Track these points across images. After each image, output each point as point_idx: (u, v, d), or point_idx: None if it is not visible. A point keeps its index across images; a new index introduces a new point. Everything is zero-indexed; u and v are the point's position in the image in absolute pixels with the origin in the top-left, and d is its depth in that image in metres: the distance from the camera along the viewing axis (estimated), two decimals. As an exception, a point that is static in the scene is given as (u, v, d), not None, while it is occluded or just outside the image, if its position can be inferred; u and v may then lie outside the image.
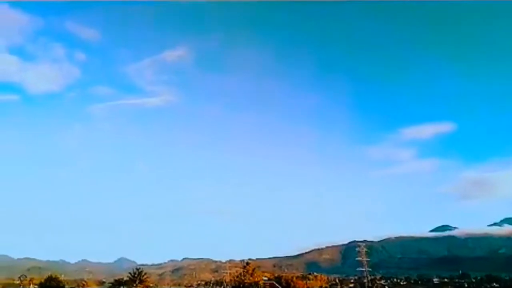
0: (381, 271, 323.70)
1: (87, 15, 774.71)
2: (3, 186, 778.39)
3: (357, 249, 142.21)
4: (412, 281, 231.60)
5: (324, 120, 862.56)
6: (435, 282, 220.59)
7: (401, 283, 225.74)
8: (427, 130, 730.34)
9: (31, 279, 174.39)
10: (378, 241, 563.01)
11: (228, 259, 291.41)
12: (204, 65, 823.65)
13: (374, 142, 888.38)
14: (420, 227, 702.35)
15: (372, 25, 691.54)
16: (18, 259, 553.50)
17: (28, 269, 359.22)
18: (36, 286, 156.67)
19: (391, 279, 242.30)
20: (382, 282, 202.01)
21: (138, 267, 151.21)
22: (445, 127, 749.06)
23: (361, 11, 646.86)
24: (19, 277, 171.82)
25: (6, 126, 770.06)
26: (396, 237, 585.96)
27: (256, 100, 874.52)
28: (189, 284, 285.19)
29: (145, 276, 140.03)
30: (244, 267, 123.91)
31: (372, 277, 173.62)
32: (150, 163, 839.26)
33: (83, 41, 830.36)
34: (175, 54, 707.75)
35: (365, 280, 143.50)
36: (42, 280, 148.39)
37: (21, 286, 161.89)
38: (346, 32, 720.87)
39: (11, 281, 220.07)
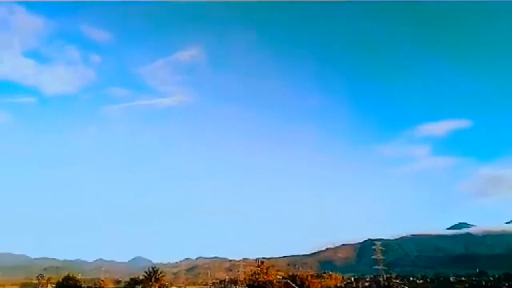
0: (397, 270, 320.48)
1: (101, 17, 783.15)
2: (20, 186, 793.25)
3: (373, 247, 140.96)
4: (428, 280, 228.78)
5: (337, 119, 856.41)
6: (452, 280, 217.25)
7: (418, 281, 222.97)
8: (442, 127, 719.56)
9: (48, 279, 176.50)
10: (394, 239, 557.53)
11: (242, 257, 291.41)
12: (217, 65, 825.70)
13: (389, 139, 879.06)
14: (436, 224, 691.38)
15: (383, 23, 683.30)
16: (36, 258, 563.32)
17: (46, 269, 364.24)
18: (53, 286, 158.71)
19: (407, 278, 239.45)
20: (398, 280, 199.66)
21: (153, 266, 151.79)
22: (460, 123, 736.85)
23: (372, 9, 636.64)
24: (37, 277, 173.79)
25: (23, 127, 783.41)
26: (412, 235, 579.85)
27: (268, 100, 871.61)
28: (204, 283, 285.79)
29: (160, 275, 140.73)
30: (258, 266, 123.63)
31: (388, 275, 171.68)
32: (164, 162, 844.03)
33: (97, 43, 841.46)
34: (188, 54, 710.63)
35: (380, 279, 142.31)
36: (60, 280, 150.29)
37: (39, 286, 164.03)
38: (357, 30, 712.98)
39: (29, 281, 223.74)
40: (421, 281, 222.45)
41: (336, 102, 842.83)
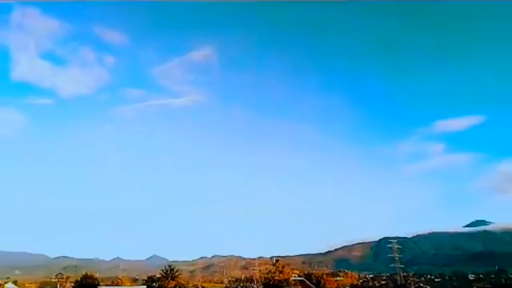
0: (414, 268, 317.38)
1: (114, 19, 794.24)
2: (38, 186, 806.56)
3: (389, 245, 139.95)
4: (446, 278, 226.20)
5: (351, 118, 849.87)
6: (471, 278, 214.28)
7: (435, 280, 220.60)
8: (459, 123, 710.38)
9: (67, 278, 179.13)
10: (411, 237, 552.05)
11: (257, 256, 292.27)
12: (229, 65, 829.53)
13: (404, 137, 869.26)
14: (454, 222, 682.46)
15: (399, 22, 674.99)
16: (55, 258, 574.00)
17: (64, 268, 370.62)
18: (72, 284, 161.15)
19: (425, 276, 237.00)
20: (415, 279, 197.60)
21: (169, 264, 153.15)
22: (477, 119, 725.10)
23: (389, 7, 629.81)
24: (56, 276, 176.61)
25: (41, 128, 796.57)
26: (429, 233, 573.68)
27: (281, 99, 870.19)
28: (220, 281, 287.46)
29: (177, 273, 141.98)
30: (274, 264, 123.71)
31: (405, 274, 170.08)
32: (178, 161, 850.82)
33: (111, 44, 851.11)
34: (201, 54, 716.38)
35: (397, 277, 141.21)
36: (78, 279, 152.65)
37: (58, 285, 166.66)
38: (372, 28, 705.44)
39: (48, 280, 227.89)
40: (439, 280, 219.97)
41: (351, 101, 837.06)
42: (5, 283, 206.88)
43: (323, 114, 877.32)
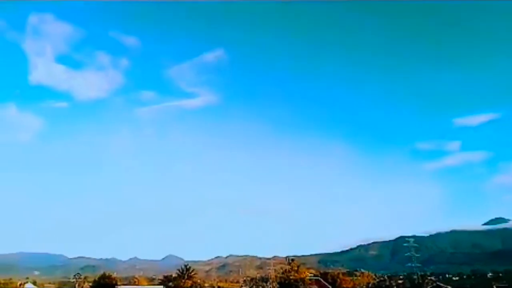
0: (431, 267, 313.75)
1: (128, 22, 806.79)
2: (56, 189, 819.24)
3: (406, 244, 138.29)
4: (465, 277, 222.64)
5: (368, 115, 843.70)
6: (490, 277, 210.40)
7: (453, 278, 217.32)
8: (476, 120, 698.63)
9: (85, 278, 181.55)
10: (428, 236, 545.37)
11: (272, 255, 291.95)
12: (242, 66, 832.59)
13: (422, 134, 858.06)
14: (472, 220, 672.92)
15: (419, 21, 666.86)
16: (73, 258, 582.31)
17: (82, 268, 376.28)
18: (90, 284, 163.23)
19: (443, 275, 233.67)
20: (433, 278, 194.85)
21: (185, 263, 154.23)
22: (493, 116, 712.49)
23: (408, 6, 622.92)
24: (74, 276, 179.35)
25: (58, 131, 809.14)
26: (447, 232, 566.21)
27: (294, 98, 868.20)
28: (235, 281, 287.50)
29: (192, 273, 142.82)
30: (289, 263, 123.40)
31: (422, 273, 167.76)
32: (193, 162, 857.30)
33: (125, 48, 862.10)
34: (214, 55, 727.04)
35: (415, 277, 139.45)
36: (96, 278, 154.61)
37: (76, 285, 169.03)
38: (391, 26, 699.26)
39: (66, 280, 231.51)
40: (457, 279, 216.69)
41: (368, 100, 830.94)
42: (25, 283, 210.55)
43: (336, 112, 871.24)
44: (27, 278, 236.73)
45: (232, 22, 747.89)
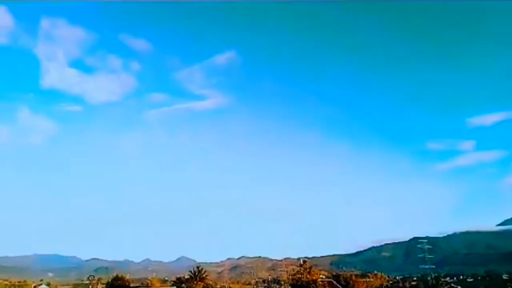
0: (445, 268, 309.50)
1: (138, 26, 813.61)
2: (69, 191, 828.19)
3: (419, 245, 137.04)
4: (479, 278, 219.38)
5: (380, 114, 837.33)
6: (505, 278, 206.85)
7: (468, 280, 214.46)
8: (490, 120, 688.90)
9: (99, 279, 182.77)
10: (442, 237, 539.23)
11: (284, 257, 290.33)
12: (252, 67, 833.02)
13: (435, 134, 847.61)
14: (487, 220, 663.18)
15: (435, 20, 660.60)
16: (86, 260, 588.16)
17: (96, 270, 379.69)
18: (103, 286, 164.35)
19: (457, 276, 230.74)
20: (447, 279, 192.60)
21: (197, 265, 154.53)
22: (509, 115, 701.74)
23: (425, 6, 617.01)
24: (88, 277, 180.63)
25: (71, 134, 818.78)
26: (461, 232, 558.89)
27: (306, 100, 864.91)
28: (247, 282, 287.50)
29: (205, 274, 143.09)
30: (301, 265, 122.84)
31: (436, 274, 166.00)
32: (203, 164, 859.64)
33: (136, 51, 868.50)
34: (224, 57, 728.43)
35: (428, 278, 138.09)
36: (109, 280, 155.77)
37: (90, 286, 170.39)
38: (408, 25, 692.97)
39: (80, 282, 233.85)
40: (472, 280, 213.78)
41: (380, 99, 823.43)
42: (39, 285, 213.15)
43: (348, 113, 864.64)
44: (41, 280, 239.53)
45: (243, 24, 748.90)
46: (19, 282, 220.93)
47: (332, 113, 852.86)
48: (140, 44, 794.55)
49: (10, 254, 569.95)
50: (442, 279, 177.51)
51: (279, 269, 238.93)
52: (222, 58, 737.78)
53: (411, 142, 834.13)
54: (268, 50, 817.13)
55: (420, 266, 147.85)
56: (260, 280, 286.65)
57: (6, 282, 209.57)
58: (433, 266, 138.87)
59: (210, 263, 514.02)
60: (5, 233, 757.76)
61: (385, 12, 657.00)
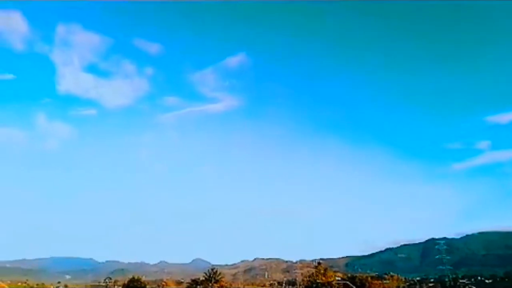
0: (463, 269, 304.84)
1: (151, 31, 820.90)
2: (85, 195, 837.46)
3: (436, 247, 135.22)
4: (498, 279, 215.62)
5: (396, 115, 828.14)
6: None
7: (486, 281, 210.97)
8: (507, 118, 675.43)
9: (115, 281, 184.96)
10: (459, 238, 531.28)
11: (298, 258, 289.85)
12: (264, 69, 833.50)
13: (451, 134, 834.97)
14: (505, 220, 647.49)
15: (450, 19, 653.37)
16: (103, 262, 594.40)
17: (112, 272, 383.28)
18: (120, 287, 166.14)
19: (475, 278, 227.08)
20: (465, 281, 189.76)
21: (212, 267, 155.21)
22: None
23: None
24: (104, 280, 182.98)
25: (86, 138, 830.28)
26: (479, 233, 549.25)
27: (319, 99, 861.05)
28: (261, 284, 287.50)
29: (219, 276, 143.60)
30: (316, 267, 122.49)
31: (454, 276, 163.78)
32: (217, 165, 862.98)
33: (149, 56, 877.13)
34: (236, 59, 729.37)
35: (446, 280, 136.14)
36: (125, 282, 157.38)
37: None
38: (423, 24, 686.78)
39: (96, 284, 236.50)
40: (490, 281, 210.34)
41: (398, 100, 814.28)
42: (57, 287, 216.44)
43: (363, 114, 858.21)
44: (59, 282, 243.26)
45: (254, 26, 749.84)
46: (37, 284, 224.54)
47: (348, 116, 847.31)
48: (153, 48, 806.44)
49: (28, 257, 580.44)
50: (460, 281, 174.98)
51: (294, 271, 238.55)
52: (233, 61, 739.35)
53: (426, 143, 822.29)
54: (279, 52, 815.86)
55: (438, 267, 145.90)
56: (275, 282, 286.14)
57: (24, 285, 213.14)
58: (451, 267, 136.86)
59: (225, 265, 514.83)
60: (23, 236, 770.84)
61: (403, 13, 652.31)
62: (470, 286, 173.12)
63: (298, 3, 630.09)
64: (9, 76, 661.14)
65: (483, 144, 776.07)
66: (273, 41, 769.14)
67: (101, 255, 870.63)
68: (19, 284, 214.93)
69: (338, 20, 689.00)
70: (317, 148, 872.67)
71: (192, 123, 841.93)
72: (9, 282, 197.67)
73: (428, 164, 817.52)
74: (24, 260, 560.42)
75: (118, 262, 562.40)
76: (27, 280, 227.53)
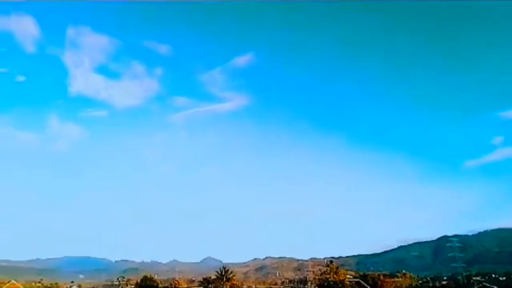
0: (476, 267, 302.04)
1: (160, 32, 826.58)
2: (99, 195, 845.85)
3: (449, 244, 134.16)
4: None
5: (408, 112, 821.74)
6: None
7: (500, 278, 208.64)
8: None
9: (128, 280, 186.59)
10: (472, 235, 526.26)
11: (309, 257, 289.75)
12: (273, 68, 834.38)
13: (463, 130, 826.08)
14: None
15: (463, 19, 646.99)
16: (116, 261, 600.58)
17: (124, 271, 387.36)
18: (132, 287, 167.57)
19: (489, 275, 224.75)
20: (478, 278, 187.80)
21: (223, 266, 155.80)
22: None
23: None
24: (117, 278, 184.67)
25: (98, 139, 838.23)
26: (492, 230, 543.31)
27: (330, 99, 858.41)
28: (273, 283, 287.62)
29: (231, 275, 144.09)
30: (327, 265, 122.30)
31: (467, 273, 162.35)
32: (226, 164, 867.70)
33: (159, 57, 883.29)
34: (244, 58, 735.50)
35: (459, 277, 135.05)
36: (138, 281, 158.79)
37: (120, 287, 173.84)
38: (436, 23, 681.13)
39: (109, 283, 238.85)
40: (504, 278, 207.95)
41: (408, 99, 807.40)
42: (70, 287, 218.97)
43: (374, 111, 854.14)
44: (72, 282, 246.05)
45: (262, 24, 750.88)
46: (51, 284, 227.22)
47: (358, 115, 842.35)
48: (162, 49, 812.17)
49: (42, 257, 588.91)
50: (473, 278, 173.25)
51: (305, 270, 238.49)
52: (242, 60, 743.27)
53: (439, 140, 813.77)
54: (287, 51, 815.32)
55: (451, 265, 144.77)
56: (287, 280, 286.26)
57: (39, 284, 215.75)
58: (464, 265, 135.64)
59: (236, 263, 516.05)
60: (36, 237, 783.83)
61: (415, 13, 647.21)
62: (483, 283, 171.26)
63: (307, 3, 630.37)
64: (21, 78, 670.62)
65: (496, 140, 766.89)
66: (280, 40, 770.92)
67: (114, 255, 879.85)
68: (33, 284, 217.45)
69: (347, 19, 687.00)
70: (327, 149, 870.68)
71: (201, 123, 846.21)
72: (23, 281, 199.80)
73: (440, 162, 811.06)
74: (38, 260, 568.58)
75: (130, 261, 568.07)
76: (41, 279, 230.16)
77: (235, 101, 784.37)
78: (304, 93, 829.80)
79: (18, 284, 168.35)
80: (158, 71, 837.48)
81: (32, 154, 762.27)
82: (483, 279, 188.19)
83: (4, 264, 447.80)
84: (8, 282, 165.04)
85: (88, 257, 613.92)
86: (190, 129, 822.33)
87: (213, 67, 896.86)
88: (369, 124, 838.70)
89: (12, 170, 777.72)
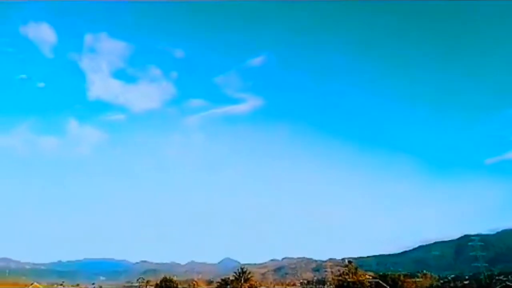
0: (499, 266, 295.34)
1: (175, 37, 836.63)
2: (117, 197, 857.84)
3: (471, 243, 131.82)
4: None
5: (424, 110, 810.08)
6: None
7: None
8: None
9: (147, 281, 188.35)
10: (495, 234, 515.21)
11: (328, 257, 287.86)
12: (288, 68, 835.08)
13: (482, 128, 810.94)
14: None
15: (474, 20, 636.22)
16: (135, 263, 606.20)
17: (144, 272, 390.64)
18: (152, 287, 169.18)
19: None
20: (501, 277, 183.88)
21: (241, 266, 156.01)
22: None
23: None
24: (137, 280, 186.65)
25: (116, 142, 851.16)
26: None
27: (343, 100, 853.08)
28: (292, 283, 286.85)
29: (249, 275, 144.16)
30: (346, 266, 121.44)
31: (489, 273, 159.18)
32: (243, 165, 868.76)
33: (174, 60, 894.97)
34: (259, 59, 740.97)
35: (481, 277, 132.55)
36: (158, 282, 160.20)
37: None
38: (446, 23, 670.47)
39: (129, 284, 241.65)
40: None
41: (421, 98, 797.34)
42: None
43: (387, 111, 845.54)
44: (93, 283, 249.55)
45: (275, 26, 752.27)
46: (72, 286, 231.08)
47: (373, 114, 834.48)
48: (177, 52, 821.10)
49: (63, 259, 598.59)
50: (496, 278, 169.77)
51: (323, 270, 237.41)
52: (256, 61, 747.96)
53: (458, 139, 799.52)
54: (300, 51, 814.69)
55: (472, 264, 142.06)
56: (305, 281, 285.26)
57: (60, 287, 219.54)
58: (486, 264, 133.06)
59: (254, 264, 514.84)
60: (58, 239, 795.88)
61: (428, 13, 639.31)
62: (506, 283, 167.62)
63: (322, 4, 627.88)
64: (41, 85, 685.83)
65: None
66: (294, 41, 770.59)
67: (133, 256, 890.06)
68: (55, 286, 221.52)
69: (361, 20, 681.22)
70: (342, 149, 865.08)
71: (217, 124, 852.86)
72: (45, 284, 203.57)
73: (460, 160, 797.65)
74: (59, 262, 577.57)
75: (149, 262, 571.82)
76: (63, 282, 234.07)
77: (250, 102, 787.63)
78: (318, 93, 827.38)
79: (40, 286, 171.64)
80: (174, 74, 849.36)
81: (54, 158, 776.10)
82: (505, 279, 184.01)
83: (27, 267, 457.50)
84: (31, 284, 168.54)
85: (108, 259, 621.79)
86: (207, 131, 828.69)
87: (227, 69, 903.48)
88: (386, 125, 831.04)
89: (33, 174, 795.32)
